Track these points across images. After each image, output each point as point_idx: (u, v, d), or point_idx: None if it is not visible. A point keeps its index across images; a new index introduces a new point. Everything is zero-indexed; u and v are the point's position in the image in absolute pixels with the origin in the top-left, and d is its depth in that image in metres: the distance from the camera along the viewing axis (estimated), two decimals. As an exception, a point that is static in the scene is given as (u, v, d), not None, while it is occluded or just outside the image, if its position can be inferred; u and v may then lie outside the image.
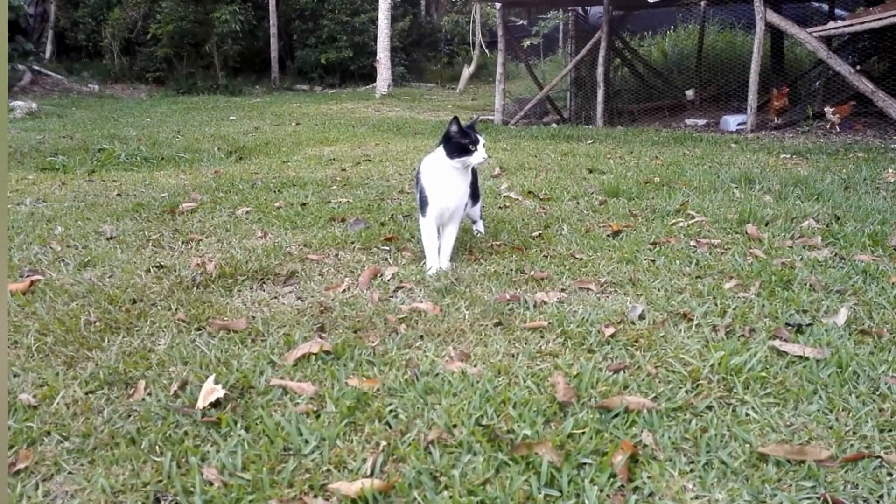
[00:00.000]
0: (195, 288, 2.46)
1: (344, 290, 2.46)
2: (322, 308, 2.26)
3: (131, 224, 3.45)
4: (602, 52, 9.13)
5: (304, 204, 3.87)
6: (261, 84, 18.19)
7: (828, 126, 7.77)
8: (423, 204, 2.67)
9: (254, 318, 2.18)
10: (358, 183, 4.61)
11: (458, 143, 2.59)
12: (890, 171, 5.04)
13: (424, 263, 2.71)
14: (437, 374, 1.76)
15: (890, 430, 1.53)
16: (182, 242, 3.10)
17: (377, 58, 14.88)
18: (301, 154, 6.40)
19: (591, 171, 5.17)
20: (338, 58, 18.17)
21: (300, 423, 1.52)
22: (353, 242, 3.04)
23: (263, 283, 2.56)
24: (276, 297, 2.42)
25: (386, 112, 11.48)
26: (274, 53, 18.52)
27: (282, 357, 1.88)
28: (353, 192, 4.25)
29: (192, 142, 7.07)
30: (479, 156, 2.60)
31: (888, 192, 4.23)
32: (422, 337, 2.04)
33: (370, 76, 16.58)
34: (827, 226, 3.34)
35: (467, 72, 17.65)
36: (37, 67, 15.68)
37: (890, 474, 1.37)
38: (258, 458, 1.40)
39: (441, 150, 2.64)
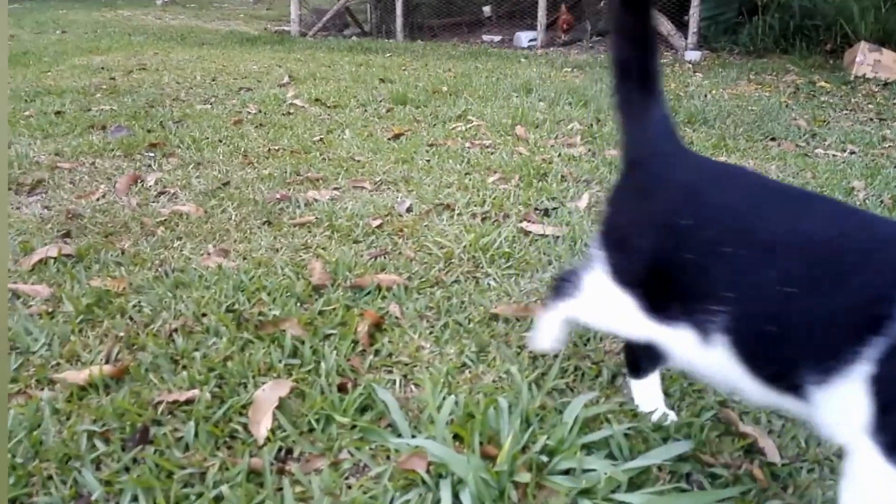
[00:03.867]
0: (-87, 200, 2.16)
1: (98, 198, 2.28)
2: (70, 215, 2.09)
3: None
4: (399, -37, 8.98)
5: (60, 112, 3.48)
6: (20, -13, 15.75)
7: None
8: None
9: (-14, 228, 1.96)
10: (127, 91, 4.23)
11: None
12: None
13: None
14: (193, 270, 1.72)
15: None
16: None
17: (160, -39, 13.46)
18: (66, 64, 5.70)
19: (382, 81, 5.16)
20: (114, -40, 16.16)
21: (30, 322, 1.42)
22: (113, 150, 2.81)
23: (2, 193, 2.30)
24: (17, 208, 2.19)
25: (168, 20, 10.51)
26: (33, -49, 16.03)
27: (17, 263, 1.73)
28: (119, 100, 3.89)
29: (-75, 48, 6.01)
30: None
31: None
32: (180, 238, 1.97)
33: (153, -18, 14.97)
34: (588, 127, 3.64)
35: (264, -19, 16.56)
36: None
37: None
38: (-25, 361, 1.29)
39: None
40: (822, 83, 5.43)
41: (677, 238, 0.95)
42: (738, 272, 0.88)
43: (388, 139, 3.25)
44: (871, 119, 4.12)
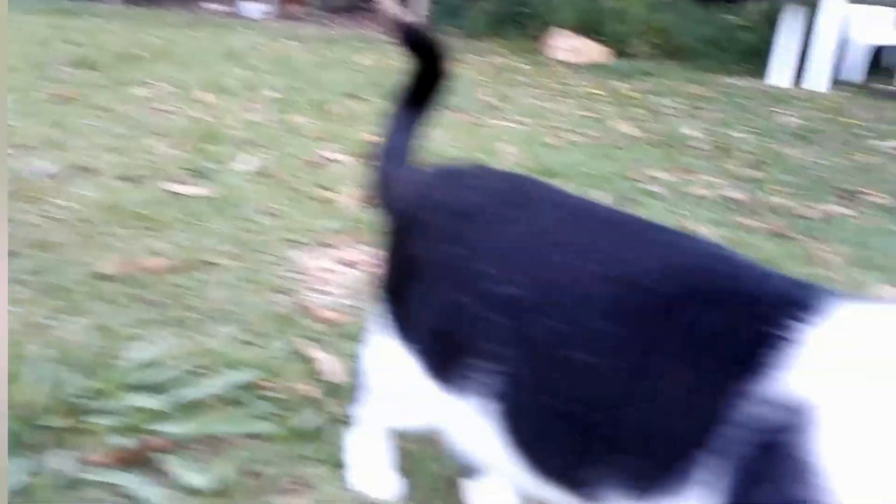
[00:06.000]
0: None
1: None
2: None
3: None
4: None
5: None
6: None
7: (385, 16, 8.27)
8: None
9: None
10: None
11: None
12: (364, 53, 5.74)
13: None
14: None
15: (233, 244, 1.77)
16: None
17: None
18: None
19: (75, 45, 4.69)
20: None
21: None
22: None
23: None
24: None
25: None
26: None
27: None
28: None
29: None
30: None
31: (351, 70, 4.83)
32: None
33: None
34: (283, 95, 3.66)
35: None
36: None
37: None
38: None
39: None
40: (521, 65, 6.00)
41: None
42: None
43: (54, 103, 2.97)
44: (555, 96, 4.61)
